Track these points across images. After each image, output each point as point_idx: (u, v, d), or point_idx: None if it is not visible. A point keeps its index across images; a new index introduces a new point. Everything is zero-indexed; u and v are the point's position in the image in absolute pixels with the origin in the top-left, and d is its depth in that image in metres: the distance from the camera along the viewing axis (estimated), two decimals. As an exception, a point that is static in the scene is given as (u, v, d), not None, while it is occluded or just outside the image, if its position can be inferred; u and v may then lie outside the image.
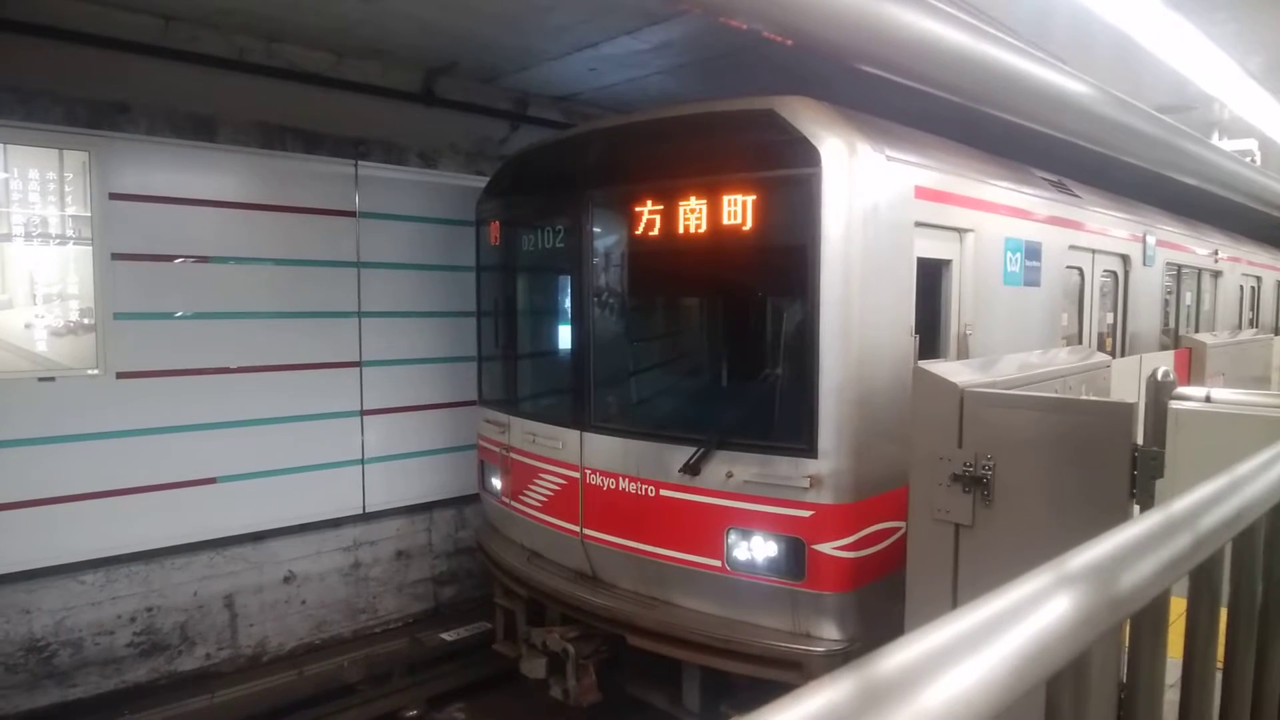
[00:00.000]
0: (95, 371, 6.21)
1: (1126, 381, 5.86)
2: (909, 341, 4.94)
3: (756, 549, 4.82)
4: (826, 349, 4.55)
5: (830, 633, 4.69)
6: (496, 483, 6.56)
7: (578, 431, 5.64)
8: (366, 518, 7.73)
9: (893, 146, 4.89)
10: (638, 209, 5.32)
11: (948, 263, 5.55)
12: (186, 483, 6.67)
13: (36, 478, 5.99)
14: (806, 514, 4.64)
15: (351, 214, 7.45)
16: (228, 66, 6.67)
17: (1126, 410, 3.35)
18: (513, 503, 6.29)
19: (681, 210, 5.09)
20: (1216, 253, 11.51)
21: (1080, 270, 7.57)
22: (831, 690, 0.68)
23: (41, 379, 6.02)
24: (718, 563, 4.93)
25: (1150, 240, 8.85)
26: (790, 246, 4.76)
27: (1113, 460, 3.31)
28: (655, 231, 5.24)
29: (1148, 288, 8.95)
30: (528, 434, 6.12)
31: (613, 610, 5.31)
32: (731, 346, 5.83)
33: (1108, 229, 7.91)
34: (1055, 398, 4.14)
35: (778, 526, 4.73)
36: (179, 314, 6.59)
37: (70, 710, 6.22)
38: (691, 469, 5.00)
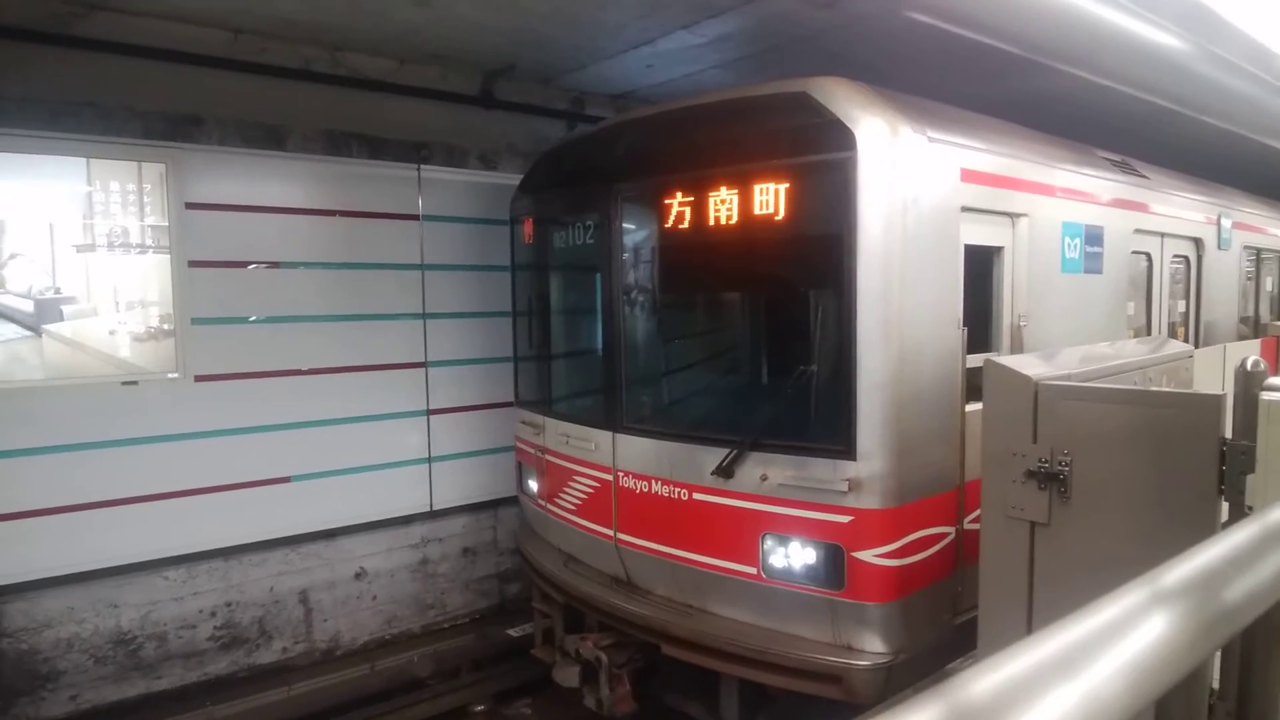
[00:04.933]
0: (175, 375, 6.44)
1: (1204, 373, 5.49)
2: (956, 335, 4.65)
3: (793, 556, 4.58)
4: (865, 345, 4.29)
5: (873, 645, 4.41)
6: (533, 485, 6.44)
7: (610, 433, 5.49)
8: (434, 515, 7.87)
9: (936, 127, 4.61)
10: (667, 201, 5.11)
11: (999, 250, 5.23)
12: (262, 482, 6.88)
13: (122, 478, 6.24)
14: (845, 519, 4.38)
15: (415, 217, 7.58)
16: (294, 76, 6.84)
17: (1214, 402, 3.19)
18: (549, 505, 6.17)
19: (712, 202, 4.86)
20: None
21: (1148, 255, 7.16)
22: (918, 714, 0.65)
23: (125, 383, 6.26)
24: (753, 570, 4.72)
25: (1225, 222, 8.35)
26: (826, 236, 4.48)
27: (1200, 455, 3.16)
28: (685, 225, 5.03)
29: (1223, 273, 8.44)
30: (561, 435, 5.97)
31: (647, 618, 5.13)
32: (765, 344, 5.59)
33: (1178, 211, 7.45)
34: (1136, 390, 3.98)
35: (815, 532, 4.49)
36: (253, 318, 6.79)
37: (155, 701, 6.47)
38: (724, 472, 4.78)
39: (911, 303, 4.34)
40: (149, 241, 6.34)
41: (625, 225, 5.51)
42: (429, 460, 7.77)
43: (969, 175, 4.75)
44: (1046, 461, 3.53)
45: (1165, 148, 7.56)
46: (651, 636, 5.11)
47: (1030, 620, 3.60)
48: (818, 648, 4.50)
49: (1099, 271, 6.09)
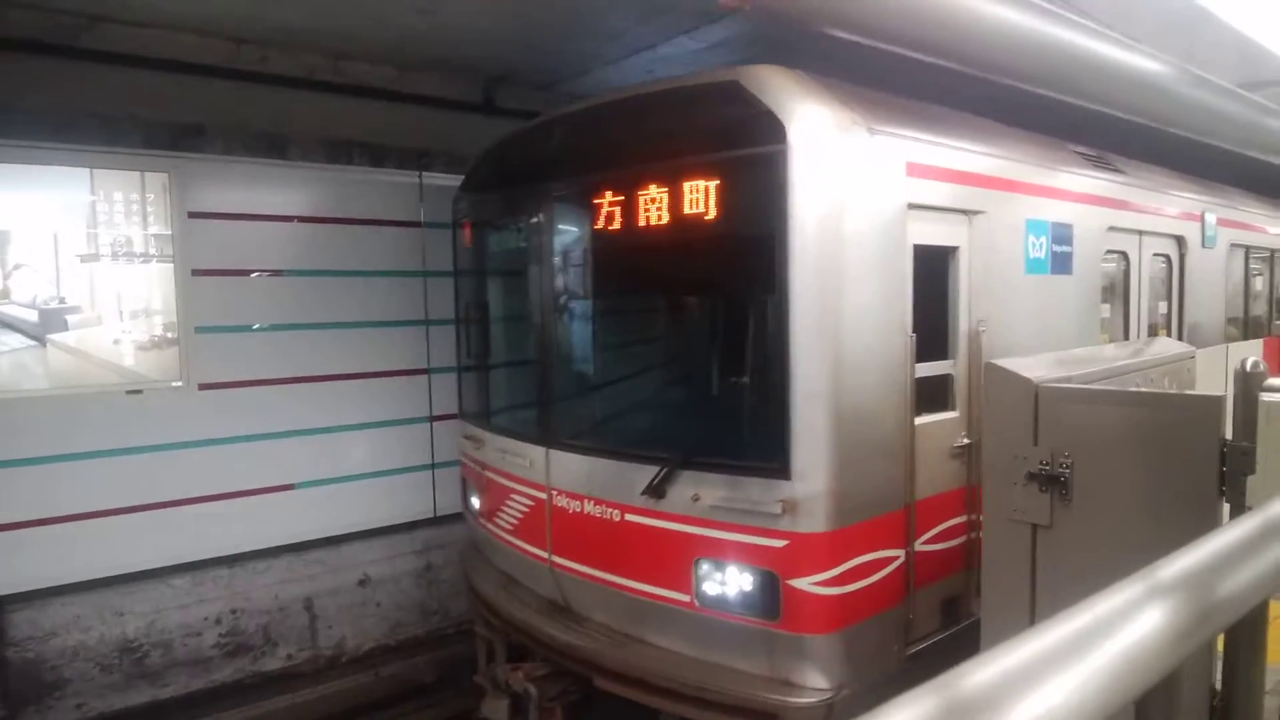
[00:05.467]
0: (179, 384, 6.47)
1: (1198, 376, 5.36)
2: (904, 342, 4.34)
3: (727, 583, 4.24)
4: (800, 354, 3.96)
5: (813, 680, 4.09)
6: (475, 502, 6.09)
7: (543, 449, 5.13)
8: (437, 521, 7.88)
9: (879, 118, 4.31)
10: (596, 201, 4.76)
11: (953, 250, 4.86)
12: (266, 489, 6.90)
13: (126, 486, 6.26)
14: (780, 544, 4.04)
15: (417, 224, 7.61)
16: (296, 85, 6.88)
17: (1214, 403, 3.20)
18: (489, 524, 5.84)
19: (641, 201, 4.51)
20: None
21: (1124, 255, 6.77)
22: (911, 708, 0.66)
23: (129, 391, 6.29)
24: (687, 598, 4.38)
25: (1210, 219, 7.92)
26: (757, 237, 4.12)
27: (1200, 456, 3.17)
28: (616, 226, 4.68)
29: (1209, 273, 8.00)
30: (499, 450, 5.60)
31: (578, 648, 4.80)
32: (697, 353, 5.27)
33: (1157, 208, 7.04)
34: (1136, 391, 3.99)
35: (749, 558, 4.15)
36: (256, 326, 6.82)
37: (161, 708, 6.48)
38: (655, 491, 4.42)
39: (851, 307, 4.06)
40: (152, 251, 6.38)
41: (556, 228, 5.22)
42: (432, 466, 7.79)
43: (917, 170, 4.45)
44: (1048, 464, 3.54)
45: (1142, 143, 7.19)
46: (583, 668, 4.79)
47: (1032, 622, 3.61)
48: (754, 683, 4.18)
49: (1068, 272, 5.73)
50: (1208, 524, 3.16)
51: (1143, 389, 4.26)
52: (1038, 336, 5.28)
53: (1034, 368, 3.83)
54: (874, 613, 4.20)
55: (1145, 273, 7.01)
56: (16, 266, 5.97)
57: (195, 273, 6.50)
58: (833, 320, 3.98)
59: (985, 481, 3.84)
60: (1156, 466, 3.30)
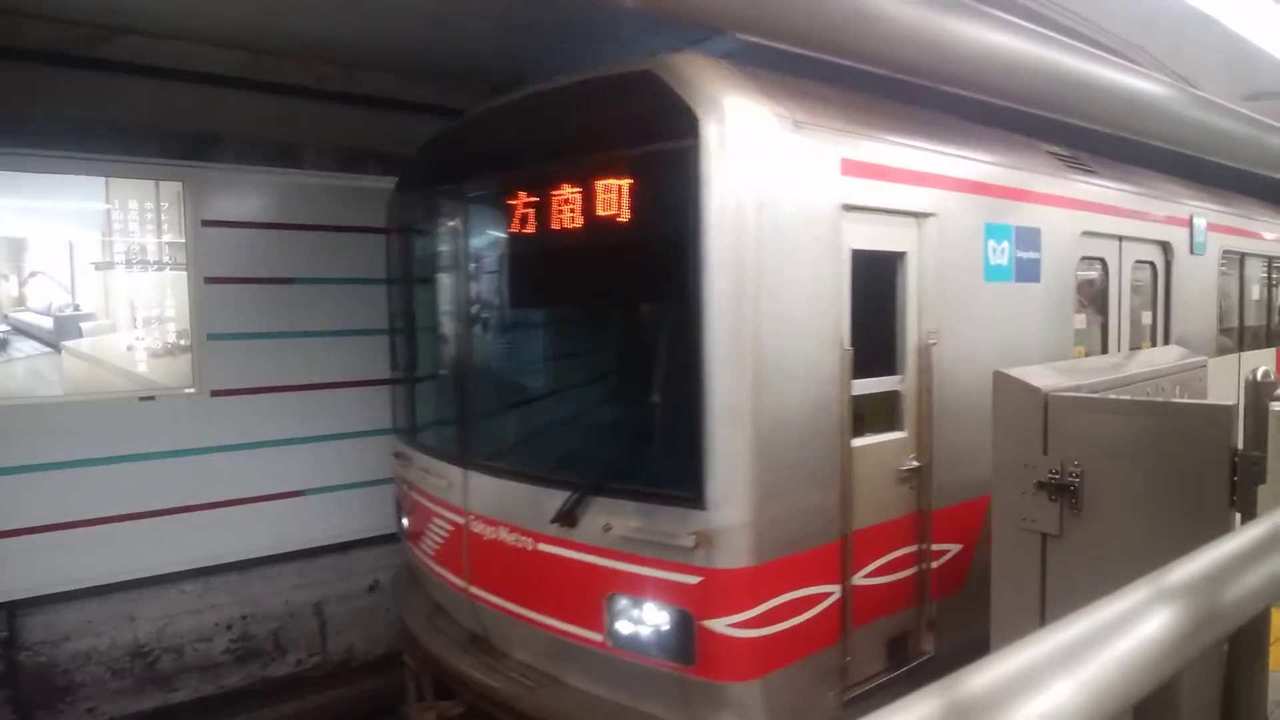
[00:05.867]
0: (192, 390, 6.52)
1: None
2: (837, 356, 3.97)
3: (640, 623, 3.86)
4: (715, 368, 3.59)
5: None
6: (405, 523, 5.74)
7: (461, 469, 4.80)
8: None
9: (809, 111, 3.94)
10: (510, 203, 4.45)
11: (900, 256, 4.48)
12: (276, 495, 6.94)
13: (139, 492, 6.31)
14: (694, 580, 3.66)
15: (427, 232, 7.65)
16: (308, 95, 6.94)
17: (1225, 413, 3.20)
18: (416, 548, 5.51)
19: (554, 203, 4.19)
20: None
21: (1102, 262, 6.32)
22: (916, 709, 0.68)
23: (143, 398, 6.34)
24: (599, 637, 4.01)
25: (1199, 223, 7.45)
26: (670, 240, 3.78)
27: (1211, 466, 3.17)
28: (529, 230, 4.36)
29: (1198, 281, 7.49)
30: (422, 470, 5.27)
31: (490, 688, 4.47)
32: (610, 368, 4.82)
33: (1139, 211, 6.56)
34: (1145, 401, 3.98)
35: (661, 595, 3.78)
36: (267, 334, 6.87)
37: (172, 713, 6.51)
38: (565, 519, 4.05)
39: (774, 317, 3.69)
40: (166, 258, 6.44)
41: (471, 232, 4.89)
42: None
43: (854, 168, 4.07)
44: (1057, 473, 3.54)
45: (1122, 143, 6.51)
46: (495, 709, 4.47)
47: (1042, 631, 3.59)
48: None
49: (1035, 279, 5.32)
50: (1218, 534, 3.15)
51: (1153, 398, 4.25)
52: (999, 349, 4.90)
53: (1044, 376, 3.83)
54: (802, 656, 3.82)
55: (1126, 281, 6.58)
56: (32, 274, 6.04)
57: (208, 280, 6.56)
58: (752, 331, 3.61)
59: (995, 490, 3.84)
60: (1167, 476, 3.29)
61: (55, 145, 5.94)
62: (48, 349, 6.06)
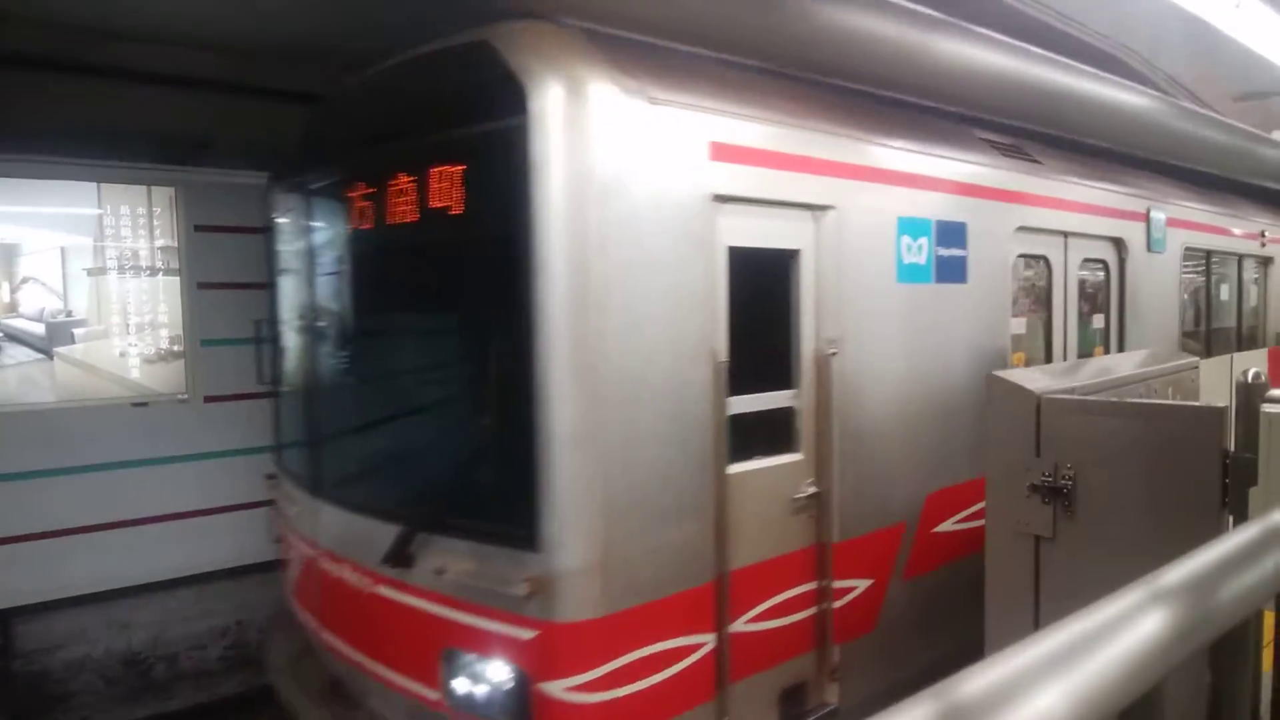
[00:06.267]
0: (185, 396, 6.51)
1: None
2: (708, 370, 3.46)
3: (477, 681, 3.35)
4: (552, 387, 3.08)
5: None
6: (278, 551, 5.25)
7: (312, 497, 4.33)
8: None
9: (667, 85, 3.42)
10: (349, 196, 3.99)
11: (792, 254, 3.96)
12: (270, 501, 6.91)
13: (133, 499, 6.29)
14: (528, 635, 3.15)
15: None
16: (302, 100, 6.93)
17: (1216, 415, 3.21)
18: (284, 578, 5.06)
19: (389, 195, 3.73)
20: (1264, 234, 9.14)
21: (1045, 260, 5.79)
22: (909, 714, 0.68)
23: (135, 404, 6.33)
24: (436, 695, 3.51)
25: (1158, 218, 6.84)
26: (501, 237, 3.27)
27: (1203, 468, 3.18)
28: (368, 226, 3.90)
29: (1157, 280, 6.89)
30: (287, 494, 4.81)
31: None
32: (445, 386, 4.17)
33: (1088, 204, 6.01)
34: (1138, 402, 3.99)
35: (496, 651, 3.27)
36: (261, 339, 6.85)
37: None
38: (397, 559, 3.53)
39: (625, 327, 3.19)
40: (158, 264, 6.43)
41: (316, 230, 4.45)
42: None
43: (728, 152, 3.56)
44: (1050, 475, 3.55)
45: (1072, 130, 6.13)
46: None
47: (1037, 633, 3.61)
48: None
49: (960, 280, 4.80)
50: (1211, 535, 3.17)
51: (1145, 400, 4.26)
52: (917, 358, 4.51)
53: (1036, 379, 3.85)
54: (666, 718, 3.35)
55: (1073, 282, 6.03)
56: (24, 280, 6.02)
57: (200, 286, 6.54)
58: (596, 342, 3.11)
59: (988, 493, 3.84)
60: (1159, 478, 3.31)
61: (46, 150, 5.92)
62: (40, 355, 6.04)
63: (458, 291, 3.82)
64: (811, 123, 4.04)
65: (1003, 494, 3.72)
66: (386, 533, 3.59)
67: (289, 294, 4.86)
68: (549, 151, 3.08)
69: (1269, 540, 1.29)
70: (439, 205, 3.47)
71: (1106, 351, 6.35)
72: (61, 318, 6.12)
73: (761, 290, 3.87)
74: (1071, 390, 3.81)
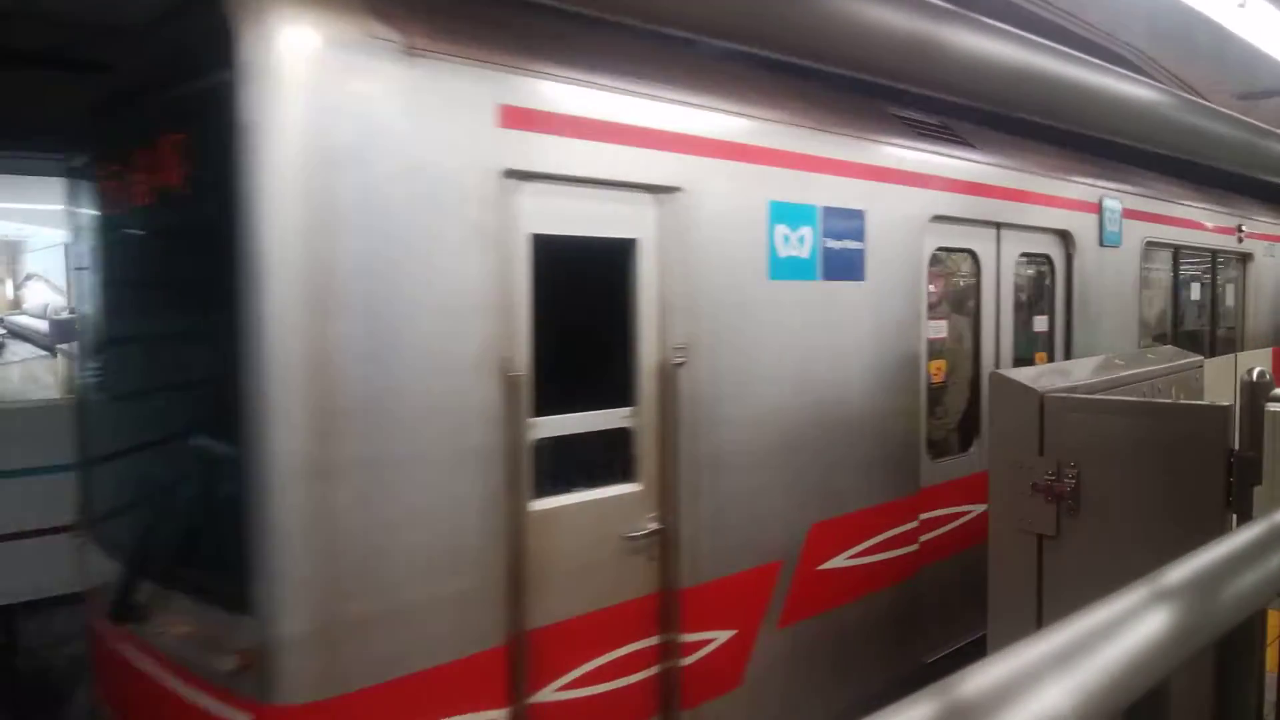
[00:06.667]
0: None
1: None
2: (494, 387, 2.84)
3: None
4: (270, 406, 2.45)
5: None
6: None
7: (83, 529, 3.76)
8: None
9: (436, 34, 2.78)
10: (100, 175, 3.46)
11: (628, 245, 3.30)
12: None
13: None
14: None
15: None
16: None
17: (1221, 414, 3.21)
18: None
19: (127, 171, 3.16)
20: (1241, 227, 8.37)
21: (972, 255, 5.08)
22: (910, 712, 0.68)
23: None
24: None
25: (1112, 208, 6.13)
26: (212, 219, 2.66)
27: (1207, 466, 3.17)
28: (120, 211, 3.32)
29: (1111, 278, 6.19)
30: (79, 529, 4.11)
31: None
32: (166, 402, 3.38)
33: (1026, 191, 5.32)
34: (1142, 401, 3.99)
35: None
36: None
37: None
38: (121, 612, 2.93)
39: (371, 332, 2.60)
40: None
41: (84, 217, 3.83)
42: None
43: (526, 119, 2.93)
44: (1054, 474, 3.54)
45: (1028, 113, 5.25)
46: None
47: (1039, 632, 3.61)
48: None
49: (856, 277, 4.17)
50: (1215, 534, 3.17)
51: (1149, 399, 4.26)
52: (798, 366, 3.90)
53: (1038, 377, 3.84)
54: None
55: (1008, 280, 5.31)
56: (29, 277, 6.04)
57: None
58: (326, 351, 2.51)
59: (991, 492, 3.84)
60: (1163, 476, 3.30)
61: (50, 147, 5.92)
62: (43, 352, 6.06)
63: (178, 289, 3.18)
64: (647, 86, 3.33)
65: (1006, 493, 3.72)
66: (117, 578, 3.00)
67: (81, 294, 4.22)
68: (262, 112, 2.45)
69: (1273, 539, 1.28)
70: (163, 183, 2.92)
71: (1051, 358, 5.68)
72: (65, 314, 6.14)
73: (586, 289, 3.32)
74: (1075, 389, 3.81)
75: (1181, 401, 4.45)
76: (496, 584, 2.84)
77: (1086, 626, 0.81)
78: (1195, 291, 8.07)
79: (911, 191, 4.49)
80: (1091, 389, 3.95)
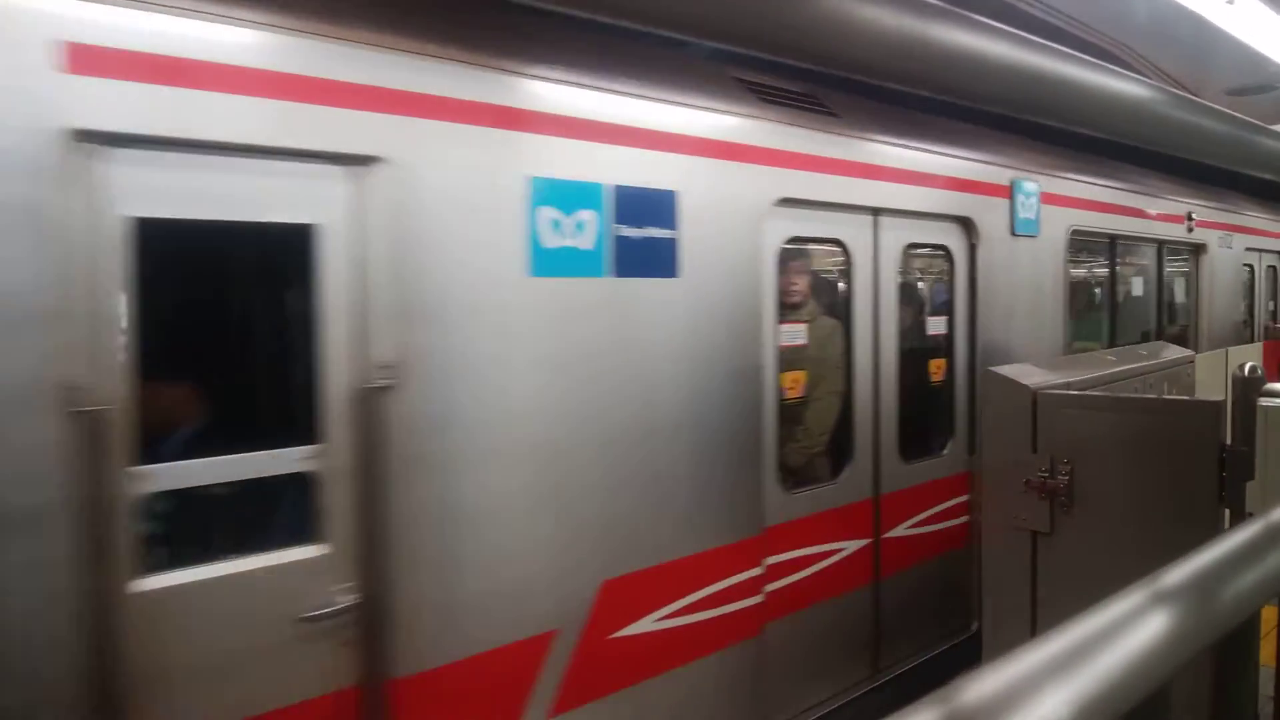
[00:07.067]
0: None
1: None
2: (62, 425, 2.09)
3: None
4: None
5: None
6: None
7: None
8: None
9: None
10: None
11: (303, 232, 2.51)
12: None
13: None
14: None
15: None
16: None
17: (1213, 409, 3.22)
18: None
19: None
20: (1191, 216, 7.38)
21: (842, 245, 4.26)
22: (914, 718, 0.67)
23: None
24: None
25: (1027, 190, 5.30)
26: None
27: (1199, 462, 3.19)
28: None
29: (1028, 274, 5.31)
30: None
31: None
32: None
33: (912, 171, 4.54)
34: (1134, 397, 4.01)
35: None
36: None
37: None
38: None
39: None
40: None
41: None
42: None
43: (108, 63, 2.19)
44: (1047, 471, 3.55)
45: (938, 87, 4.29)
46: None
47: (1034, 630, 3.62)
48: None
49: (666, 273, 3.39)
50: (1208, 529, 3.18)
51: (1142, 395, 4.27)
52: (577, 385, 3.09)
53: (1032, 374, 3.85)
54: None
55: (889, 276, 4.44)
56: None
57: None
58: None
59: (985, 489, 3.85)
60: (1156, 472, 3.31)
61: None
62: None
63: None
64: (331, 26, 2.57)
65: (999, 489, 3.73)
66: None
67: None
68: None
69: (1270, 538, 1.28)
70: None
71: (950, 365, 4.83)
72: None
73: (243, 292, 2.71)
74: (1068, 385, 3.82)
75: (1175, 397, 4.47)
76: (65, 698, 2.08)
77: (1084, 632, 0.80)
78: (1138, 287, 7.15)
79: (748, 168, 3.70)
80: (1084, 385, 3.97)
